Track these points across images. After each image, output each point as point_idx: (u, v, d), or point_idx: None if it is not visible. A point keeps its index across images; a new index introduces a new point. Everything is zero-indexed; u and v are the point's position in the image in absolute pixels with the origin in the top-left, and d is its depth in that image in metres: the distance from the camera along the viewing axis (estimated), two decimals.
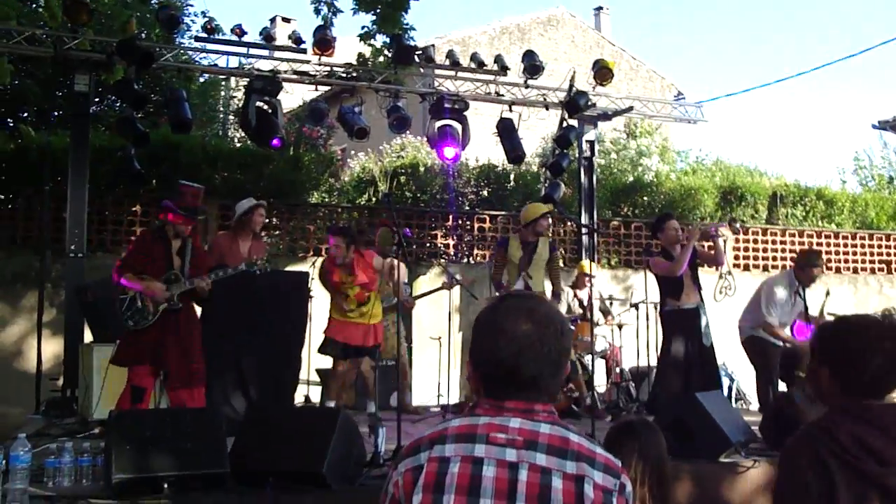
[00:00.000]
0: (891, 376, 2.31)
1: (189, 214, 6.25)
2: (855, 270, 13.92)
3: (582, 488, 1.74)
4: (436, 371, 8.97)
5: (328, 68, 9.35)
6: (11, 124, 13.07)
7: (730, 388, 10.56)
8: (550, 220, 8.57)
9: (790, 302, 7.69)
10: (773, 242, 13.44)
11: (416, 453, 1.84)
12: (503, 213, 12.28)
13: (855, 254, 13.98)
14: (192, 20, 14.13)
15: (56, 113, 13.37)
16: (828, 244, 13.81)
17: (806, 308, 7.81)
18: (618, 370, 9.47)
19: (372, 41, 10.23)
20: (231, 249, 7.33)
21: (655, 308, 8.36)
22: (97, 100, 12.36)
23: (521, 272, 8.10)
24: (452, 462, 1.78)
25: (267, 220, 10.96)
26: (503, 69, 9.78)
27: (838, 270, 13.76)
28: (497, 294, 8.51)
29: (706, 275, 10.67)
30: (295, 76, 9.20)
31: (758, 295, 7.91)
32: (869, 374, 2.30)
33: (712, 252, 7.96)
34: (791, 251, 13.33)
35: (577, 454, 1.78)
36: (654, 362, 8.46)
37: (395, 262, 7.05)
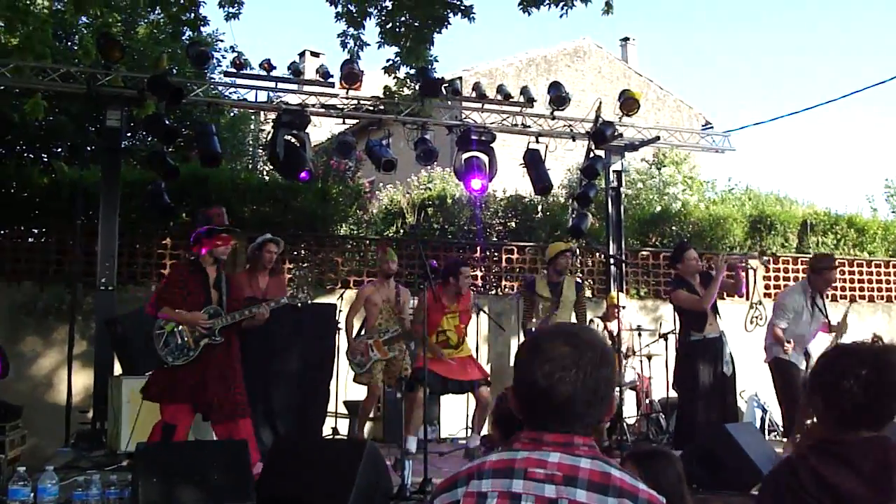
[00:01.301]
0: (869, 404, 2.25)
1: (230, 230, 6.28)
2: (888, 299, 13.70)
3: None
4: (464, 403, 8.95)
5: (355, 102, 9.44)
6: (45, 159, 13.28)
7: (762, 420, 10.41)
8: (571, 258, 8.54)
9: (808, 311, 7.52)
10: (805, 271, 13.25)
11: (453, 488, 1.80)
12: (531, 244, 12.26)
13: (888, 282, 13.76)
14: (221, 56, 14.32)
15: (88, 148, 13.58)
16: (860, 272, 13.62)
17: (827, 317, 7.68)
18: (647, 401, 9.39)
19: (396, 73, 10.32)
20: (251, 286, 7.31)
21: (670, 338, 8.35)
22: (128, 135, 12.55)
23: (554, 309, 8.05)
24: (489, 498, 1.73)
25: (295, 253, 11.04)
26: (529, 101, 9.81)
27: (871, 299, 13.56)
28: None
29: (737, 304, 10.57)
30: (323, 110, 9.29)
31: None
32: (847, 401, 2.25)
33: (732, 281, 7.87)
34: None
35: (619, 490, 1.71)
36: (676, 394, 8.38)
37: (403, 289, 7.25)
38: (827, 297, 12.94)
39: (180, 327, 5.92)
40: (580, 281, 9.03)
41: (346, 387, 8.78)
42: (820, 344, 7.32)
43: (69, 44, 13.35)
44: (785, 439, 8.11)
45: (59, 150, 13.80)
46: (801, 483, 2.19)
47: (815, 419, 2.37)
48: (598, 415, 1.84)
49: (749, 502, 5.38)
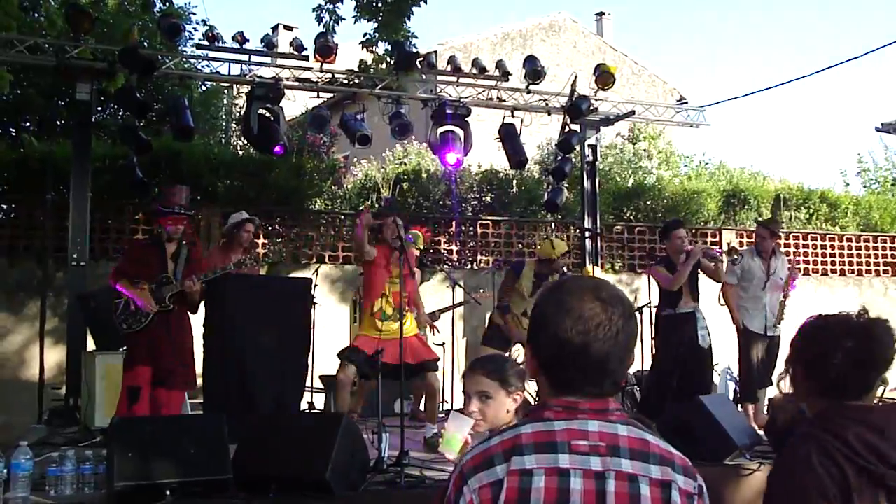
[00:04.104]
0: (855, 376, 2.27)
1: (177, 213, 6.34)
2: (860, 273, 13.86)
3: (669, 494, 1.65)
4: (440, 377, 8.95)
5: (330, 75, 9.35)
6: (14, 133, 13.09)
7: (735, 392, 10.50)
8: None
9: (761, 272, 8.02)
10: (777, 245, 13.37)
11: (490, 466, 1.65)
12: (506, 218, 12.27)
13: (859, 256, 13.93)
14: (193, 28, 14.17)
15: (58, 122, 13.39)
16: (832, 247, 13.76)
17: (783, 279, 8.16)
18: None
19: (374, 48, 10.22)
20: (224, 262, 7.30)
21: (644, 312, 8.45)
22: (99, 108, 12.38)
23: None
24: (535, 475, 1.63)
25: (269, 228, 10.97)
26: (505, 74, 9.76)
27: (843, 273, 13.72)
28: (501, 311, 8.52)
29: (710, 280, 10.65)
30: (297, 83, 9.18)
31: None
32: (833, 372, 2.26)
33: (713, 266, 7.97)
34: (795, 254, 13.29)
35: (659, 457, 1.68)
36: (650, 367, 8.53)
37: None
38: (799, 271, 13.22)
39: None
40: (566, 269, 9.07)
41: (322, 361, 8.76)
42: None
43: (35, 15, 13.11)
44: (739, 406, 8.25)
45: (28, 124, 13.60)
46: (855, 450, 2.15)
47: (800, 385, 2.38)
48: (625, 371, 1.78)
49: (724, 473, 5.44)
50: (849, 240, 13.96)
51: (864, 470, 2.15)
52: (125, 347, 6.52)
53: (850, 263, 13.84)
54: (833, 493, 2.15)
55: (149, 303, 6.18)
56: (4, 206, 10.53)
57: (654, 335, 8.05)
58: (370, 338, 6.66)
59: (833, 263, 13.69)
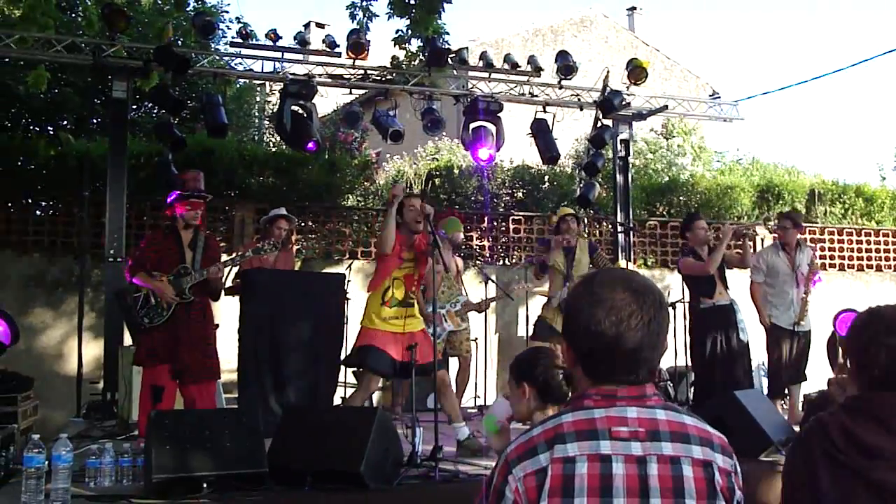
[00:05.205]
0: None
1: (197, 196, 6.36)
2: None
3: (712, 474, 1.70)
4: (472, 372, 8.97)
5: (362, 72, 9.38)
6: (52, 131, 13.27)
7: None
8: (572, 222, 8.38)
9: (786, 267, 7.86)
10: (812, 241, 13.24)
11: (533, 455, 1.70)
12: (538, 214, 12.25)
13: None
14: (227, 26, 14.28)
15: (95, 120, 13.55)
16: (868, 242, 13.57)
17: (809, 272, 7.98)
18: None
19: (406, 45, 10.25)
20: (260, 258, 7.37)
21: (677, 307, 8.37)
22: (134, 106, 12.53)
23: (565, 281, 8.05)
24: (578, 461, 1.67)
25: (302, 224, 11.04)
26: (537, 70, 9.75)
27: (879, 269, 13.53)
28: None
29: (742, 273, 10.56)
30: (329, 80, 9.24)
31: None
32: (877, 368, 2.28)
33: (739, 254, 7.94)
34: (830, 249, 13.14)
35: (699, 438, 1.73)
36: (690, 362, 8.42)
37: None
38: (834, 267, 13.05)
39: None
40: (594, 242, 9.07)
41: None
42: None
43: (72, 15, 13.30)
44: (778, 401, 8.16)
45: (65, 122, 13.79)
46: (832, 439, 2.22)
47: (853, 377, 2.40)
48: (659, 358, 1.82)
49: (758, 469, 5.41)
50: (885, 235, 13.75)
51: (836, 461, 2.19)
52: (137, 342, 6.47)
53: (887, 259, 13.64)
54: (802, 480, 2.24)
55: (168, 293, 6.04)
56: (42, 204, 10.69)
57: (691, 330, 7.91)
58: (384, 333, 6.07)
59: (869, 259, 13.51)
